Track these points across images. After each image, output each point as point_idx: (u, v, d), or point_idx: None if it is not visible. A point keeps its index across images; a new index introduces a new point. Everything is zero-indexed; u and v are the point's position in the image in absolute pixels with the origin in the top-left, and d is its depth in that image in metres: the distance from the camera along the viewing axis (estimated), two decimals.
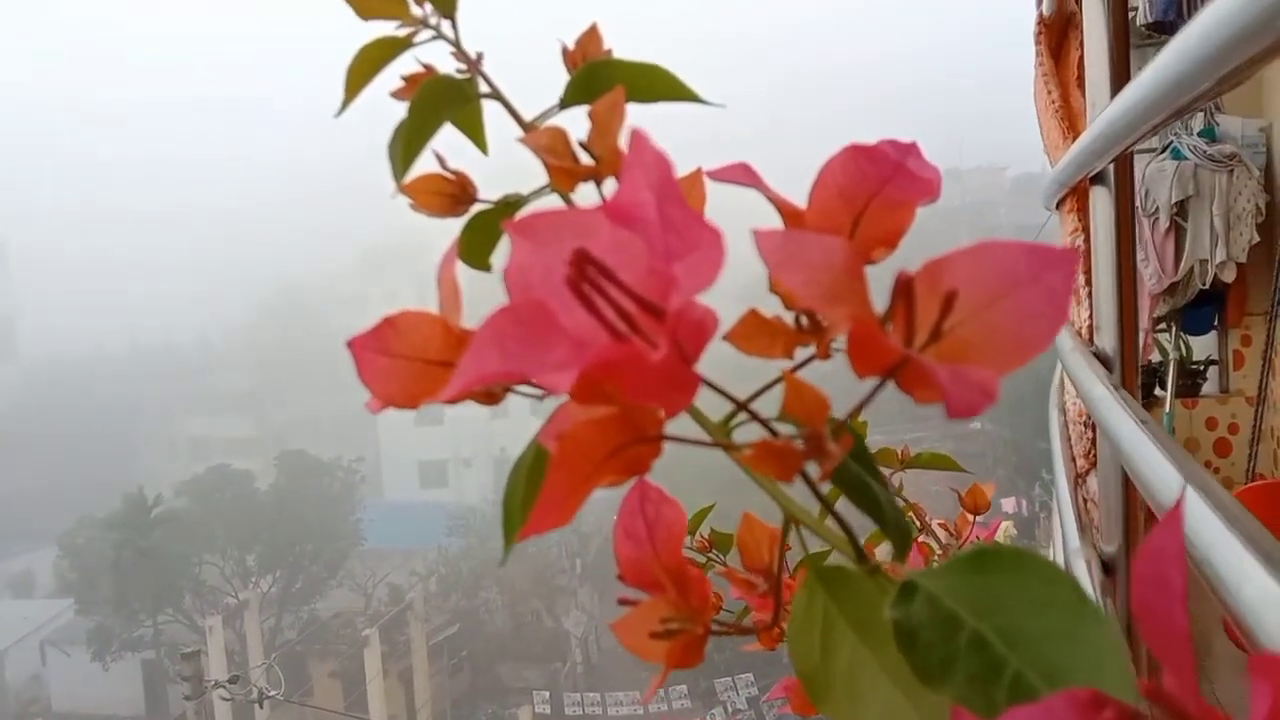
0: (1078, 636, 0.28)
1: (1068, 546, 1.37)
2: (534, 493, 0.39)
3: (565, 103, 0.43)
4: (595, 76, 0.42)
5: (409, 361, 0.38)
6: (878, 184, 0.35)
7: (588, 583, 22.51)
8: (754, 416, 0.31)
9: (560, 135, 0.39)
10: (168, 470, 30.53)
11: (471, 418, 29.81)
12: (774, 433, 0.30)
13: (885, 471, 0.99)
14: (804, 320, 0.36)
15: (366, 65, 0.44)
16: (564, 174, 0.38)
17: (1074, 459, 1.71)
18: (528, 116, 0.46)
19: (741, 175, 0.40)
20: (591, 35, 0.44)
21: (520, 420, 29.41)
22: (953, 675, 0.29)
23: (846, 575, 0.37)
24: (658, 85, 0.42)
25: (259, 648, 18.29)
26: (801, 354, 0.39)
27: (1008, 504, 20.44)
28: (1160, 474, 0.63)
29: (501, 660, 21.89)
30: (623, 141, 0.39)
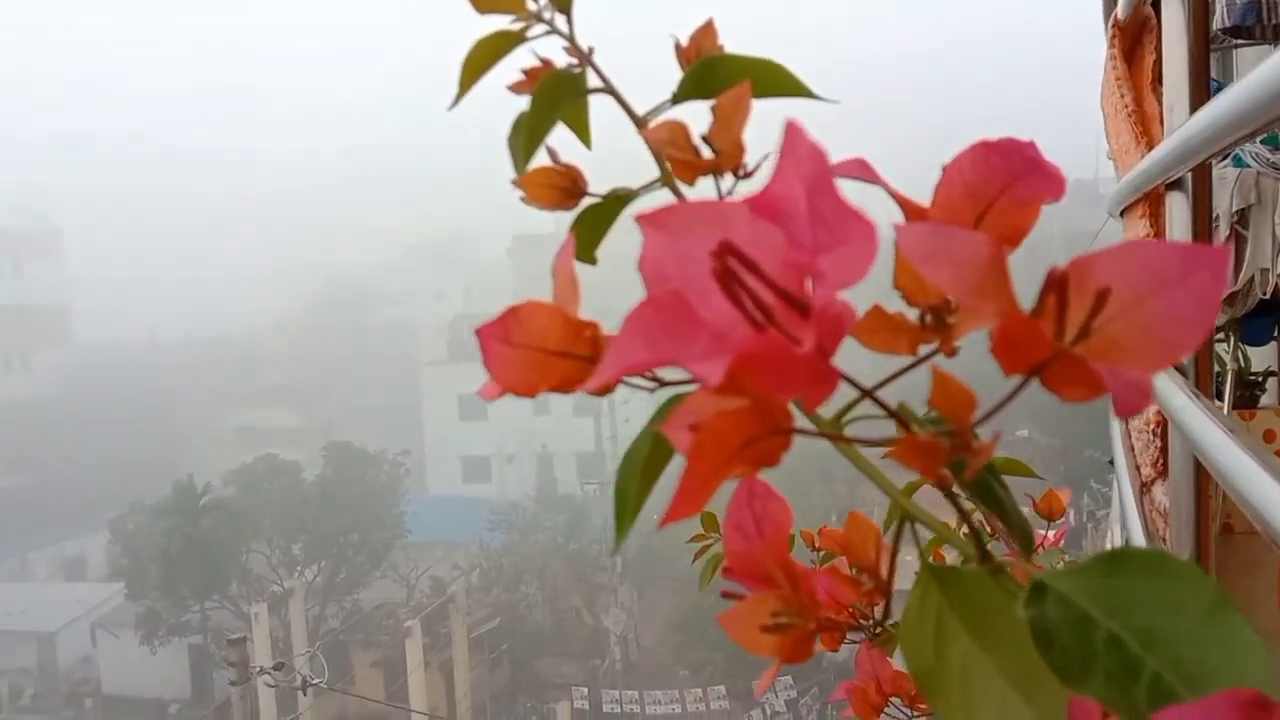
0: (1217, 639, 0.28)
1: None
2: (649, 482, 0.39)
3: (678, 97, 0.44)
4: (711, 71, 0.42)
5: (529, 351, 0.38)
6: (1007, 181, 0.35)
7: (628, 581, 22.53)
8: (888, 411, 0.31)
9: (681, 129, 0.39)
10: (217, 459, 31.02)
11: (515, 414, 29.96)
12: (908, 427, 0.30)
13: None
14: (928, 317, 0.36)
15: (482, 58, 0.44)
16: (686, 167, 0.38)
17: (1138, 468, 1.68)
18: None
19: (859, 170, 0.40)
20: (706, 31, 0.44)
21: (562, 418, 29.52)
22: (1091, 676, 0.29)
23: (960, 575, 0.37)
24: (774, 81, 0.42)
25: (303, 636, 18.54)
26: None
27: None
28: (1256, 483, 0.62)
29: (541, 655, 21.98)
30: (745, 134, 0.39)
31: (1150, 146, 1.55)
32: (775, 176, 0.28)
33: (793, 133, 0.28)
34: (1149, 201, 1.46)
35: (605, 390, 0.42)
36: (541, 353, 0.38)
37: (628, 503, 0.39)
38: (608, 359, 0.28)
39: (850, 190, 0.43)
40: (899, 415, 0.31)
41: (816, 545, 1.01)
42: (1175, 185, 1.25)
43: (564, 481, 28.95)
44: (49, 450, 36.13)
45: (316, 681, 13.95)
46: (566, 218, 0.50)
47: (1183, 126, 1.04)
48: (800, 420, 0.37)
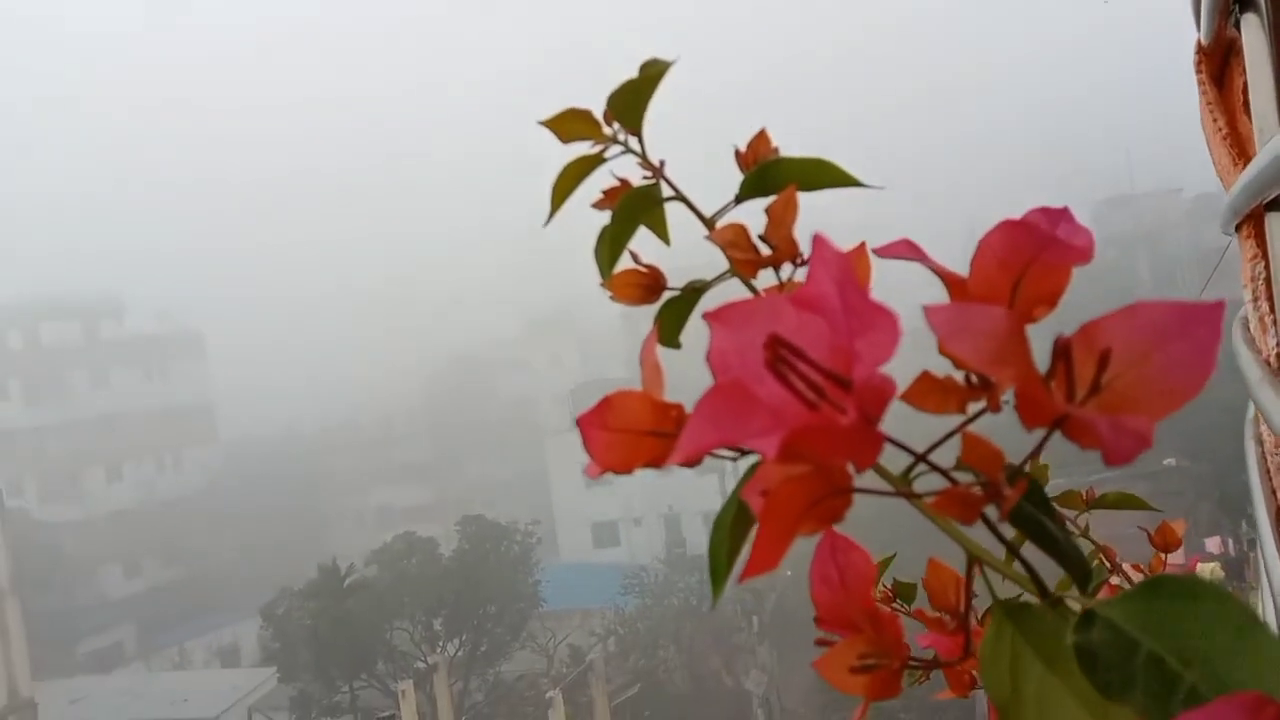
0: (1245, 651, 0.31)
1: (1273, 585, 1.32)
2: (737, 544, 0.44)
3: (741, 197, 0.49)
4: (768, 174, 0.48)
5: (623, 434, 0.43)
6: (1033, 253, 0.39)
7: (766, 640, 22.18)
8: (933, 466, 0.36)
9: (741, 231, 0.44)
10: (359, 539, 31.97)
11: (639, 478, 30.10)
12: (953, 480, 0.35)
13: (1070, 514, 0.99)
14: (974, 378, 0.40)
15: (568, 180, 0.51)
16: (747, 264, 0.44)
17: (1275, 492, 1.63)
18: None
19: (905, 250, 0.45)
20: (761, 138, 0.49)
21: (686, 480, 29.50)
22: (1132, 691, 0.32)
23: (1030, 609, 0.40)
24: (823, 176, 0.48)
25: (449, 710, 18.80)
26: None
27: (1212, 544, 18.99)
28: None
29: None
30: (797, 232, 0.44)
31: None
32: (809, 278, 0.34)
33: (819, 243, 0.33)
34: (1252, 221, 1.44)
35: (690, 464, 0.47)
36: (634, 434, 0.44)
37: (720, 563, 0.43)
38: (681, 441, 0.34)
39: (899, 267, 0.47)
40: (947, 472, 0.36)
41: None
42: (1274, 204, 1.24)
43: (693, 542, 28.83)
44: (201, 542, 37.90)
45: None
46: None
47: (1269, 144, 1.04)
48: (876, 481, 0.41)
